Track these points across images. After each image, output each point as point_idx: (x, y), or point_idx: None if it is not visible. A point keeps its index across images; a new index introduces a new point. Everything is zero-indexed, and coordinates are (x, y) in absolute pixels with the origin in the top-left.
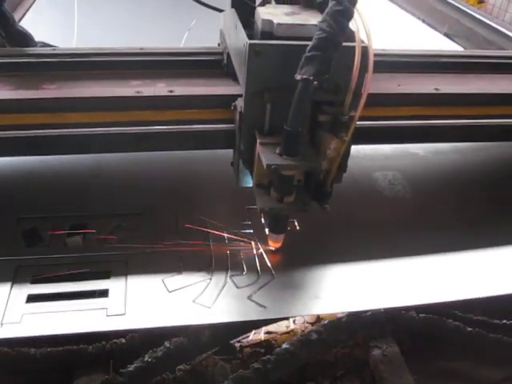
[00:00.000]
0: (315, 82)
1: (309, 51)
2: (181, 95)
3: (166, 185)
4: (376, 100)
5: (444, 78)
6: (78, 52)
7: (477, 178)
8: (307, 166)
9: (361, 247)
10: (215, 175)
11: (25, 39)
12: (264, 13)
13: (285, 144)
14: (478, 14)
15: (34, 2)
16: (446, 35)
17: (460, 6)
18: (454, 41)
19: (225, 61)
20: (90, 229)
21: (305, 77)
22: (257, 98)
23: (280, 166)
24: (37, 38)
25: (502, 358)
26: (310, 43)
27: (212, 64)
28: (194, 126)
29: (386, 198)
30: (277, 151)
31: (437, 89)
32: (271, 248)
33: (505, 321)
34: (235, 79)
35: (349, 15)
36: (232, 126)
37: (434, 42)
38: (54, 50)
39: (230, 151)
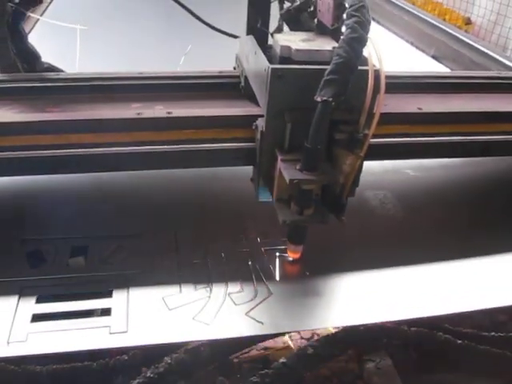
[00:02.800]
0: (333, 103)
1: (327, 75)
2: (201, 116)
3: (165, 205)
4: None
5: (427, 98)
6: (80, 77)
7: (465, 193)
8: (326, 180)
9: (354, 264)
10: (214, 194)
11: (33, 58)
12: (282, 39)
13: (305, 160)
14: (465, 36)
15: (34, 25)
16: (434, 57)
17: (447, 29)
18: (441, 62)
19: (242, 83)
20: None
21: (324, 98)
22: (277, 118)
23: (301, 181)
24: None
25: (491, 370)
26: (327, 67)
27: (229, 86)
28: (218, 145)
29: (376, 216)
30: (297, 167)
31: (420, 108)
32: (289, 259)
33: (493, 333)
34: (252, 101)
35: (363, 42)
36: (253, 144)
37: (422, 63)
38: (58, 74)
39: (234, 170)
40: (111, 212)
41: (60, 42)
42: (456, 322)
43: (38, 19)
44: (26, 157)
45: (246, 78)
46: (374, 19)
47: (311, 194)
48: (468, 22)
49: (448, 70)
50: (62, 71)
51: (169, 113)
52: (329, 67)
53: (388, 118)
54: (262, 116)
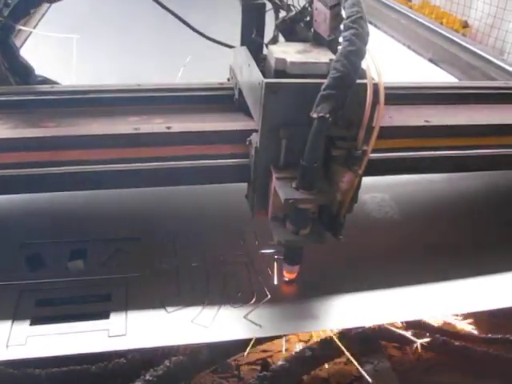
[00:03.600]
0: (330, 119)
1: (324, 90)
2: (195, 131)
3: (164, 208)
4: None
5: (434, 110)
6: (76, 89)
7: (465, 200)
8: (323, 200)
9: (352, 267)
10: (212, 198)
11: (26, 72)
12: (277, 51)
13: (301, 178)
14: (462, 40)
15: (29, 36)
16: (431, 61)
17: (444, 32)
18: (438, 66)
19: (236, 96)
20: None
21: (321, 115)
22: (272, 134)
23: (297, 201)
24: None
25: (489, 371)
26: (323, 81)
27: (224, 99)
28: (210, 161)
29: (374, 220)
30: (293, 185)
31: (427, 121)
32: (286, 279)
33: (490, 335)
34: (247, 114)
35: (361, 55)
36: (247, 160)
37: (419, 67)
38: (53, 87)
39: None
40: (110, 215)
41: (56, 54)
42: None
43: (30, 32)
44: (18, 175)
45: (240, 90)
46: (371, 23)
47: (307, 213)
48: (465, 25)
49: (445, 73)
50: (56, 83)
51: (168, 128)
52: (325, 82)
53: (393, 132)
54: (256, 131)
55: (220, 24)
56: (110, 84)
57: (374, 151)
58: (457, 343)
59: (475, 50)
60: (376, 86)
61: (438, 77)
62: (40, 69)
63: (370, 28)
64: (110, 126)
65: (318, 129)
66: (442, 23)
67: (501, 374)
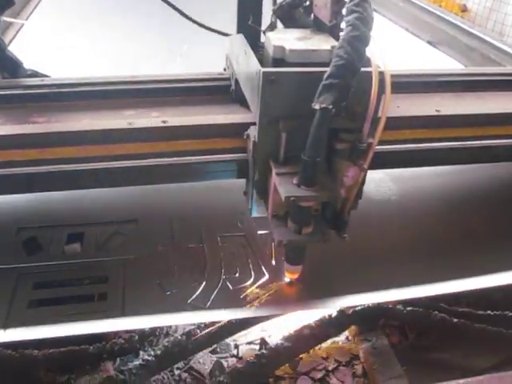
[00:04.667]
0: (333, 110)
1: (326, 79)
2: (189, 125)
3: (161, 190)
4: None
5: (444, 98)
6: (66, 82)
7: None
8: (326, 196)
9: (351, 246)
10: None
11: (14, 66)
12: (275, 38)
13: (302, 174)
14: (460, 22)
15: (21, 27)
16: (429, 43)
17: (443, 15)
18: (436, 48)
19: (233, 87)
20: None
21: (323, 105)
22: (271, 127)
23: (299, 198)
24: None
25: (487, 348)
26: (325, 69)
27: (220, 89)
28: (205, 157)
29: (373, 201)
30: (294, 181)
31: (438, 110)
32: (286, 280)
33: (489, 312)
34: (244, 105)
35: (366, 41)
36: (244, 155)
37: (418, 50)
38: (43, 80)
39: None
40: (107, 198)
41: (46, 40)
42: (453, 302)
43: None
44: (5, 174)
45: (236, 80)
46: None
47: (310, 210)
48: (464, 8)
49: (443, 55)
50: (46, 77)
51: (164, 122)
52: (328, 70)
53: (401, 123)
54: (254, 124)
55: (217, 13)
56: (102, 76)
57: (380, 143)
58: (455, 320)
59: (474, 31)
60: (382, 75)
61: (437, 59)
62: (32, 61)
63: None
64: (102, 120)
65: (321, 121)
66: (440, 7)
67: (500, 351)
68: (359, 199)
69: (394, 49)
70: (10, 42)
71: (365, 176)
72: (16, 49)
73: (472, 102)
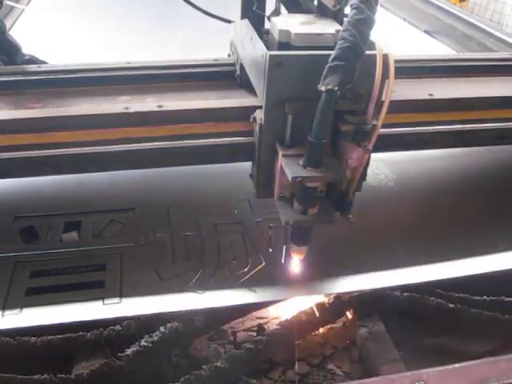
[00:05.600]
0: (338, 92)
1: (332, 61)
2: (194, 109)
3: (158, 179)
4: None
5: (437, 83)
6: (63, 68)
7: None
8: (332, 177)
9: (348, 232)
10: (206, 168)
11: (13, 50)
12: (280, 23)
13: (309, 155)
14: (457, 11)
15: (21, 14)
16: (426, 32)
17: (440, 3)
18: (433, 37)
19: (238, 72)
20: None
21: (329, 87)
22: (277, 110)
23: (305, 179)
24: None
25: (484, 333)
26: (330, 52)
27: (224, 75)
28: (212, 140)
29: (369, 187)
30: (300, 163)
31: (431, 94)
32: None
33: (485, 297)
34: (249, 90)
35: (371, 24)
36: (251, 138)
37: (415, 38)
38: (39, 67)
39: None
40: (104, 186)
41: (44, 27)
42: (450, 288)
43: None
44: (3, 159)
45: (241, 65)
46: None
47: (316, 191)
48: None
49: (440, 43)
50: (44, 63)
51: (159, 106)
52: (333, 52)
53: (396, 106)
54: (260, 107)
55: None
56: (98, 62)
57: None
58: (451, 306)
59: (471, 20)
60: (386, 58)
61: (434, 47)
62: (31, 47)
63: None
64: (99, 105)
65: (327, 102)
66: None
67: (496, 336)
68: (364, 181)
69: (392, 38)
70: (11, 27)
71: (369, 158)
72: (15, 34)
73: (466, 87)
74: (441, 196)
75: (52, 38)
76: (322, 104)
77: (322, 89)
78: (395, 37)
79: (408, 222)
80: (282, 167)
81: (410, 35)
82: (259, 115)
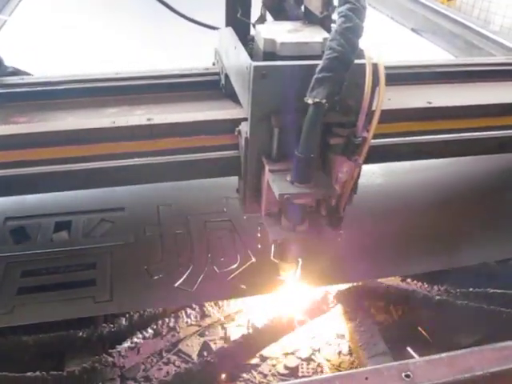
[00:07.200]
0: (326, 105)
1: (319, 72)
2: (179, 122)
3: None
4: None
5: (434, 90)
6: (48, 80)
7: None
8: (321, 193)
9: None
10: None
11: None
12: (265, 31)
13: (296, 171)
14: (444, 9)
15: (3, 24)
16: (413, 30)
17: (427, 2)
18: (420, 35)
19: (222, 81)
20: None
21: (316, 100)
22: (263, 123)
23: (293, 196)
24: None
25: (470, 324)
26: (318, 62)
27: (209, 85)
28: (196, 155)
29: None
30: (288, 178)
31: (429, 102)
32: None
33: (471, 289)
34: (235, 100)
35: (359, 32)
36: (236, 152)
37: (402, 37)
38: (23, 78)
39: None
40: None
41: (28, 37)
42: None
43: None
44: None
45: (226, 75)
46: None
47: (304, 208)
48: None
49: (428, 42)
50: (29, 75)
51: (149, 119)
52: (320, 63)
53: (393, 115)
54: (245, 120)
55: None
56: (85, 73)
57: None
58: (438, 298)
59: (458, 18)
60: (375, 67)
61: (421, 46)
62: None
63: None
64: (86, 119)
65: (314, 115)
66: None
67: (481, 326)
68: (354, 194)
69: (379, 37)
70: None
71: (360, 171)
72: None
73: (464, 93)
74: (431, 200)
75: (36, 50)
76: (310, 117)
77: (309, 101)
78: (382, 35)
79: (398, 222)
80: (268, 183)
81: (398, 33)
82: (244, 128)
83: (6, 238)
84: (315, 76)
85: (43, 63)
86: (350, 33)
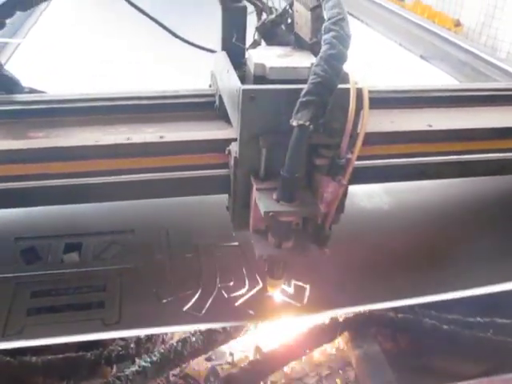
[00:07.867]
0: (311, 127)
1: (304, 96)
2: (173, 141)
3: (157, 201)
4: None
5: (435, 113)
6: (62, 98)
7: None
8: (305, 212)
9: (344, 254)
10: None
11: (12, 84)
12: (256, 56)
13: (282, 190)
14: (452, 37)
15: (17, 47)
16: (422, 57)
17: (435, 29)
18: (429, 62)
19: (217, 103)
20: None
21: (301, 122)
22: (252, 143)
23: (278, 213)
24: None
25: (477, 354)
26: (303, 86)
27: (204, 106)
28: (188, 172)
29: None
30: (274, 197)
31: (430, 125)
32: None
33: (479, 318)
34: (228, 121)
35: (343, 58)
36: (226, 171)
37: (411, 64)
38: (41, 96)
39: None
40: (104, 209)
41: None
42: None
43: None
44: (6, 189)
45: (220, 97)
46: (363, 21)
47: (290, 225)
48: (457, 23)
49: (436, 68)
50: (43, 93)
51: (161, 137)
52: (305, 87)
53: (395, 137)
54: (235, 140)
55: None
56: (97, 92)
57: (368, 158)
58: (445, 327)
59: (466, 46)
60: (360, 91)
61: (430, 73)
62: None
63: (363, 26)
64: (101, 135)
65: (299, 137)
66: (434, 22)
67: (489, 357)
68: (341, 213)
69: (388, 63)
70: (8, 59)
71: (346, 191)
72: (13, 67)
73: (464, 117)
74: (436, 222)
75: (50, 71)
76: (294, 139)
77: (294, 124)
78: (391, 62)
79: (403, 245)
80: (255, 201)
81: (406, 60)
82: (234, 148)
83: (16, 258)
84: (300, 99)
85: (56, 85)
86: (334, 59)
